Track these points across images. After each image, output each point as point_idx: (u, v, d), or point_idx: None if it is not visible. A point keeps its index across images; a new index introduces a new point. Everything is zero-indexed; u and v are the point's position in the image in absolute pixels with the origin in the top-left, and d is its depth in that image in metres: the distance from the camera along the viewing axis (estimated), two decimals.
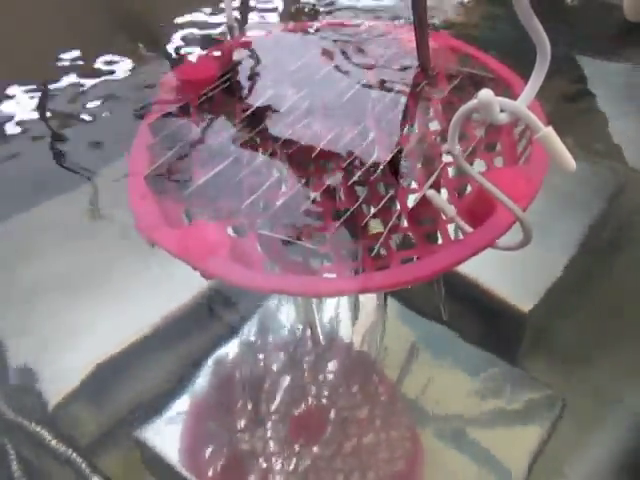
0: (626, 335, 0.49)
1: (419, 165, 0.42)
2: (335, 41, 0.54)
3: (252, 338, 0.49)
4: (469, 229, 0.34)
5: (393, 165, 0.41)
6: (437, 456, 0.43)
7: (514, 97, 0.29)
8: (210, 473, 0.42)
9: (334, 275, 0.35)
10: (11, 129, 0.63)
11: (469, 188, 0.39)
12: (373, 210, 0.37)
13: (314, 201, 0.38)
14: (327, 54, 0.52)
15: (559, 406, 0.45)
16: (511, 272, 0.52)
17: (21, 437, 0.42)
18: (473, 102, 0.28)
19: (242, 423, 0.44)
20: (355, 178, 0.39)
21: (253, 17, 0.79)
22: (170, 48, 0.74)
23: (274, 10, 0.81)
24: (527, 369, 0.48)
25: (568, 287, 0.53)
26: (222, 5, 0.74)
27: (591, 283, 0.54)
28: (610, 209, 0.59)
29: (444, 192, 0.39)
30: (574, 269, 0.53)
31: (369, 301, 0.49)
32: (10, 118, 0.64)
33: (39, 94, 0.67)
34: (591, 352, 0.48)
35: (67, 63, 0.70)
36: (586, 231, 0.56)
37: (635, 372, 0.47)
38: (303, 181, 0.39)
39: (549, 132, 0.27)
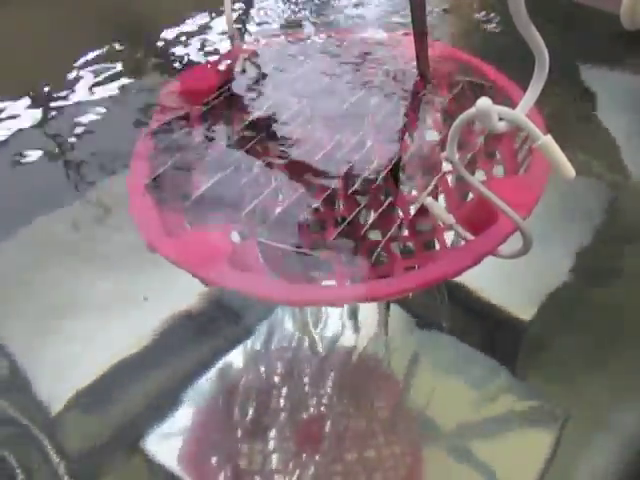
0: (626, 345, 0.49)
1: (419, 173, 0.42)
2: (335, 50, 0.54)
3: (255, 348, 0.49)
4: (469, 236, 0.34)
5: (393, 173, 0.41)
6: (439, 468, 0.43)
7: (514, 106, 0.29)
8: None
9: (334, 282, 0.35)
10: (10, 140, 0.63)
11: (470, 196, 0.40)
12: (372, 218, 0.37)
13: (314, 209, 0.38)
14: (327, 63, 0.52)
15: (561, 418, 0.44)
16: (512, 281, 0.52)
17: (24, 448, 0.42)
18: (471, 110, 0.28)
19: (244, 434, 0.43)
20: (355, 186, 0.39)
21: (254, 27, 0.80)
22: (172, 57, 0.74)
23: (275, 20, 0.81)
24: (528, 379, 0.48)
25: (568, 297, 0.52)
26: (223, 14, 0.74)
27: (591, 293, 0.53)
28: (611, 219, 0.59)
29: (444, 201, 0.40)
30: (574, 279, 0.53)
31: (370, 310, 0.49)
32: (9, 129, 0.64)
33: (37, 103, 0.67)
34: (591, 362, 0.48)
35: (66, 71, 0.70)
36: (587, 241, 0.56)
37: (636, 381, 0.47)
38: (303, 189, 0.39)
39: (548, 140, 0.27)
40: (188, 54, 0.74)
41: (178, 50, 0.75)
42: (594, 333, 0.50)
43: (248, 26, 0.80)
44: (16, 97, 0.67)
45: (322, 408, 0.45)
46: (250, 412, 0.45)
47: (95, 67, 0.71)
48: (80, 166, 0.61)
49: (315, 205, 0.38)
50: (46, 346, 0.48)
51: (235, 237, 0.37)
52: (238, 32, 0.52)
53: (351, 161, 0.41)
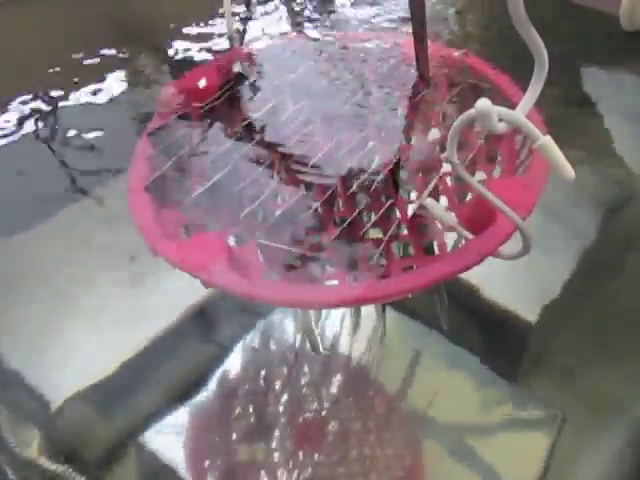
0: (627, 346, 0.49)
1: (419, 174, 0.42)
2: (335, 51, 0.54)
3: (254, 348, 0.49)
4: (470, 236, 0.34)
5: (393, 174, 0.41)
6: (438, 471, 0.43)
7: (514, 107, 0.29)
8: None
9: (335, 283, 0.35)
10: (8, 141, 0.63)
11: (469, 197, 0.40)
12: (373, 219, 0.38)
13: (314, 210, 0.38)
14: (327, 64, 0.52)
15: (561, 419, 0.44)
16: (512, 282, 0.52)
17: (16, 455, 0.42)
18: (471, 111, 0.28)
19: (244, 434, 0.44)
20: (355, 187, 0.39)
21: (253, 27, 0.80)
22: (171, 58, 0.74)
23: (275, 21, 0.81)
24: (528, 380, 0.48)
25: (569, 298, 0.52)
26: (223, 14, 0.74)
27: (592, 295, 0.53)
28: (614, 219, 0.59)
29: (444, 201, 0.40)
30: (577, 281, 0.53)
31: (368, 311, 0.49)
32: (9, 130, 0.64)
33: (35, 104, 0.67)
34: (591, 363, 0.48)
35: (66, 71, 0.70)
36: (588, 242, 0.56)
37: (636, 382, 0.47)
38: (302, 190, 0.39)
39: (547, 141, 0.27)
40: (188, 54, 0.74)
41: (178, 50, 0.75)
42: (594, 334, 0.50)
43: (248, 26, 0.80)
44: (15, 97, 0.67)
45: (320, 409, 0.45)
46: (250, 412, 0.45)
47: (95, 67, 0.71)
48: (78, 168, 0.61)
49: (315, 206, 0.38)
50: (44, 349, 0.48)
51: (233, 239, 0.37)
52: (238, 32, 0.52)
53: (351, 162, 0.41)
